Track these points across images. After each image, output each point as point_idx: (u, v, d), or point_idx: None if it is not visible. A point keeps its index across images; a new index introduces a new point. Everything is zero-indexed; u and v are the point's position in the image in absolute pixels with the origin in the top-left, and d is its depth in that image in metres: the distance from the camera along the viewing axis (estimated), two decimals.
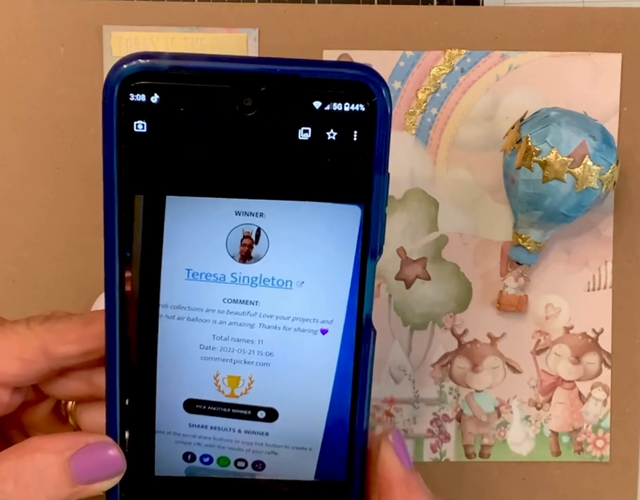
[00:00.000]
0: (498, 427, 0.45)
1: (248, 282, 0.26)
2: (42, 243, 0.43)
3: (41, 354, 0.28)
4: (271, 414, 0.28)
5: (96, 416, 0.31)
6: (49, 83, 0.42)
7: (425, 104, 0.43)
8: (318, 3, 0.43)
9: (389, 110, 0.25)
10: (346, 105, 0.25)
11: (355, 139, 0.25)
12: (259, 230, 0.26)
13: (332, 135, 0.25)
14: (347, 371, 0.27)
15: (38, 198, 0.42)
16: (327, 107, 0.25)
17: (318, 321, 0.27)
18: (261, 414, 0.28)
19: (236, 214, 0.26)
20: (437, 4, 0.43)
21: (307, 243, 0.26)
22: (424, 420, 0.45)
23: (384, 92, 0.25)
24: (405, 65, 0.43)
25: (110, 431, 0.27)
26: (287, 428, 0.28)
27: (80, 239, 0.43)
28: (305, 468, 0.28)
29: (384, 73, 0.42)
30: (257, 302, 0.27)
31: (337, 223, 0.26)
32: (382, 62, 0.43)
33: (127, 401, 0.27)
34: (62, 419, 0.32)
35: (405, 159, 0.43)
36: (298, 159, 0.25)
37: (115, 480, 0.27)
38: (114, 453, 0.27)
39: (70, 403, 0.32)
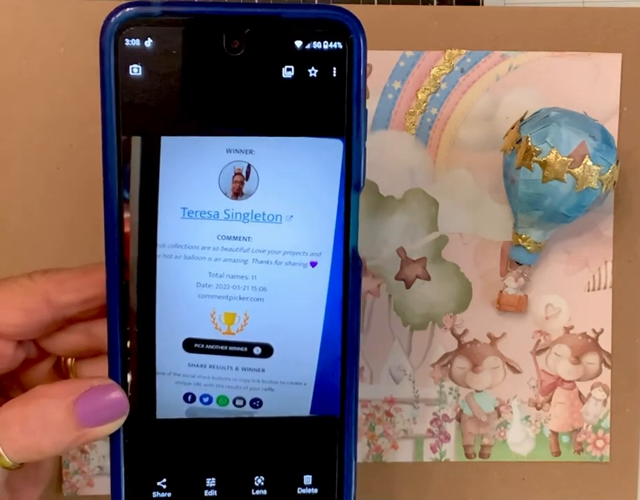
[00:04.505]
0: (498, 427, 0.45)
1: (241, 218, 0.28)
2: (42, 243, 0.43)
3: (43, 303, 0.29)
4: (267, 350, 0.29)
5: (96, 370, 0.32)
6: (49, 83, 0.42)
7: (425, 104, 0.43)
8: (318, 3, 0.43)
9: (364, 47, 0.27)
10: (325, 44, 0.27)
11: (334, 75, 0.27)
12: (249, 166, 0.27)
13: (313, 72, 0.27)
14: (337, 304, 0.28)
15: (38, 198, 0.42)
16: (308, 46, 0.27)
17: (308, 254, 0.28)
18: (257, 350, 0.29)
19: (227, 152, 0.27)
20: (437, 4, 0.43)
21: (295, 178, 0.27)
22: (424, 420, 0.45)
23: (359, 30, 0.27)
24: (405, 65, 0.43)
25: (113, 375, 0.28)
26: (282, 363, 0.29)
27: (80, 239, 0.43)
28: (300, 404, 0.29)
29: (384, 74, 0.43)
30: (249, 238, 0.28)
31: (321, 158, 0.27)
32: (382, 62, 0.43)
33: (128, 344, 0.28)
34: (62, 376, 0.33)
35: (405, 159, 0.43)
36: (282, 96, 0.27)
37: (119, 423, 0.28)
38: (117, 395, 0.28)
39: (70, 359, 0.32)
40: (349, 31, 0.27)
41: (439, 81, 0.43)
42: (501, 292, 0.44)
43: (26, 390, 0.32)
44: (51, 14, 0.42)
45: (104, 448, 0.43)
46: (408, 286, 0.44)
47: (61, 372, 0.33)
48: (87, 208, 0.43)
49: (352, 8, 0.43)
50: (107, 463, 0.43)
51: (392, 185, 0.43)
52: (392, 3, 0.43)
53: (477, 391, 0.45)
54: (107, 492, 0.43)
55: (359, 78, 0.27)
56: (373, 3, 0.43)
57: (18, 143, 0.42)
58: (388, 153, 0.43)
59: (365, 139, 0.27)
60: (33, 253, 0.42)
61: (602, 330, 0.45)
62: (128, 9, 0.26)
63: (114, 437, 0.28)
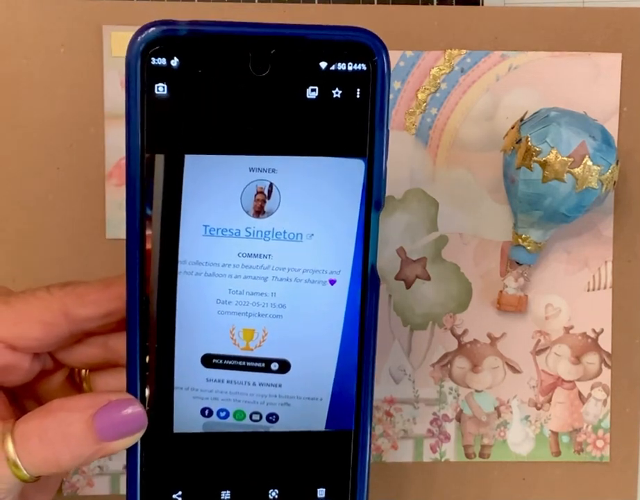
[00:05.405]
0: (498, 427, 0.45)
1: (262, 236, 0.28)
2: (42, 243, 0.43)
3: (62, 317, 0.29)
4: (284, 366, 0.29)
5: (110, 381, 0.32)
6: (49, 83, 0.42)
7: (425, 104, 0.43)
8: (319, 3, 0.43)
9: (387, 69, 0.27)
10: (350, 65, 0.27)
11: (357, 97, 0.27)
12: (271, 185, 0.28)
13: (337, 93, 0.27)
14: (354, 321, 0.29)
15: (38, 198, 0.42)
16: (333, 68, 0.27)
17: (327, 272, 0.28)
18: (274, 366, 0.29)
19: (250, 171, 0.27)
20: (437, 4, 0.43)
21: (316, 197, 0.28)
22: (424, 420, 0.45)
23: (383, 52, 0.27)
24: (405, 65, 0.43)
25: (131, 389, 0.28)
26: (299, 379, 0.29)
27: (80, 239, 0.43)
28: (316, 418, 0.29)
29: None
30: (270, 255, 0.28)
31: (343, 177, 0.28)
32: None
33: (147, 359, 0.28)
34: (76, 387, 0.33)
35: (405, 159, 0.43)
36: (306, 116, 0.27)
37: (137, 436, 0.28)
38: (136, 409, 0.28)
39: (84, 370, 0.32)
40: (373, 53, 0.27)
41: (439, 81, 0.43)
42: (501, 292, 0.44)
43: (39, 401, 0.32)
44: (51, 14, 0.42)
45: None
46: (408, 286, 0.44)
47: (74, 383, 0.33)
48: (87, 208, 0.43)
49: (352, 8, 0.43)
50: (107, 463, 0.43)
51: (392, 185, 0.43)
52: (392, 3, 0.43)
53: (477, 391, 0.45)
54: (107, 492, 0.44)
55: (382, 99, 0.27)
56: (373, 3, 0.43)
57: (18, 143, 0.42)
58: (388, 153, 0.43)
59: (387, 159, 0.28)
60: (33, 253, 0.42)
61: (602, 330, 0.45)
62: (154, 28, 0.26)
63: (131, 450, 0.29)
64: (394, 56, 0.43)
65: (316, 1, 0.43)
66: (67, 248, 0.43)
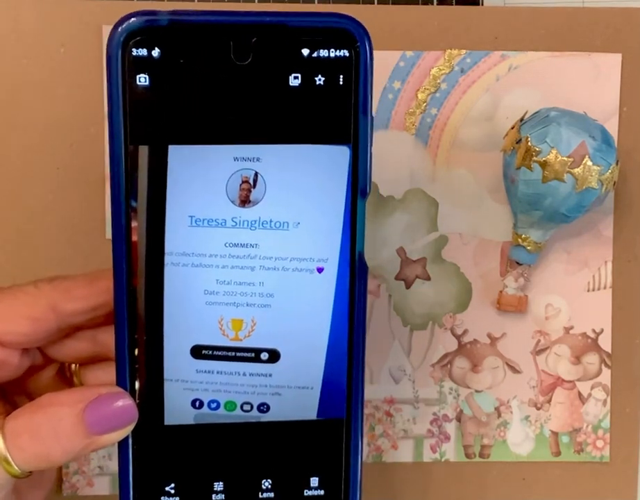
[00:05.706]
0: (498, 427, 0.45)
1: (248, 225, 0.28)
2: (42, 243, 0.42)
3: (50, 312, 0.29)
4: (274, 355, 0.29)
5: (100, 375, 0.32)
6: (49, 83, 0.42)
7: (425, 104, 0.43)
8: (318, 3, 0.43)
9: (370, 55, 0.27)
10: (332, 52, 0.27)
11: (341, 83, 0.27)
12: (256, 174, 0.27)
13: (320, 80, 0.27)
14: (343, 308, 0.29)
15: (38, 198, 0.42)
16: (315, 54, 0.27)
17: (315, 260, 0.28)
18: (264, 355, 0.29)
19: (234, 160, 0.27)
20: (437, 4, 0.43)
21: (302, 185, 0.28)
22: (424, 420, 0.45)
23: (366, 38, 0.27)
24: (405, 65, 0.43)
25: (121, 382, 0.28)
26: (289, 368, 0.29)
27: (80, 239, 0.43)
28: (307, 407, 0.29)
29: (384, 74, 0.43)
30: (256, 245, 0.28)
31: (328, 165, 0.28)
32: (382, 62, 0.43)
33: (136, 352, 0.28)
34: (66, 382, 0.33)
35: (405, 159, 0.43)
36: (289, 104, 0.27)
37: (128, 430, 0.28)
38: (126, 402, 0.28)
39: (74, 364, 0.33)
40: (356, 39, 0.27)
41: (438, 81, 0.43)
42: (501, 292, 0.44)
43: (30, 396, 0.32)
44: (51, 14, 0.42)
45: (104, 448, 0.43)
46: (408, 286, 0.44)
47: (65, 377, 0.33)
48: (87, 208, 0.43)
49: (352, 8, 0.43)
50: (107, 463, 0.43)
51: (392, 185, 0.43)
52: (392, 3, 0.43)
53: (477, 391, 0.45)
54: (107, 492, 0.44)
55: (365, 85, 0.27)
56: (373, 3, 0.43)
57: (18, 143, 0.42)
58: (388, 153, 0.43)
59: (371, 146, 0.28)
60: (33, 253, 0.42)
61: (602, 330, 0.45)
62: (134, 18, 0.26)
63: (122, 444, 0.28)
64: (394, 56, 0.43)
65: (316, 1, 0.43)
66: (67, 248, 0.43)
